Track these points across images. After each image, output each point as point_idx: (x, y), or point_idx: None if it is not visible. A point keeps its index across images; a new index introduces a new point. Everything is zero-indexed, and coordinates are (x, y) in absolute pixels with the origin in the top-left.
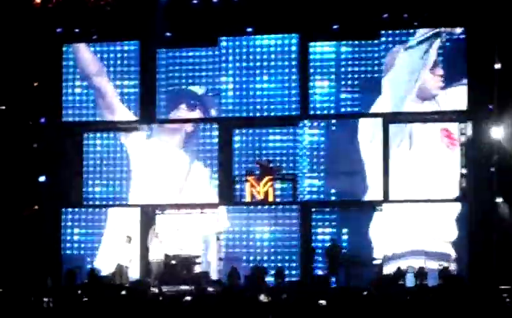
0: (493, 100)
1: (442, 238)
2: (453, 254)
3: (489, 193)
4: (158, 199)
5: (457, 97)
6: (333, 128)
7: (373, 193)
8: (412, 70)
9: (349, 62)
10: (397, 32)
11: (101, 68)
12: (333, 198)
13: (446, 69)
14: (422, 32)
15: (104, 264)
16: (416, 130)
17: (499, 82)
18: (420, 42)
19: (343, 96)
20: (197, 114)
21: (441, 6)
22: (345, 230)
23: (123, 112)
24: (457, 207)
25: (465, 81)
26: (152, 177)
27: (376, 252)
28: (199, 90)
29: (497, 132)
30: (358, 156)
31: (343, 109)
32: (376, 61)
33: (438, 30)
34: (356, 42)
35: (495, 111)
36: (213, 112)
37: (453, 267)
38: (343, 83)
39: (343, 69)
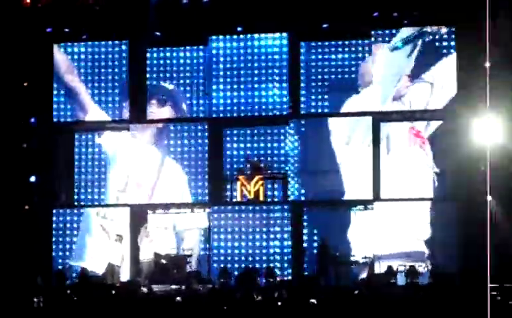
0: (483, 98)
1: (432, 237)
2: (443, 252)
3: (479, 192)
4: (144, 196)
5: (423, 96)
6: (323, 127)
7: (363, 191)
8: (397, 71)
9: (340, 63)
10: (388, 32)
11: (72, 68)
12: (323, 197)
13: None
14: (406, 32)
15: (94, 264)
16: (391, 130)
17: (490, 80)
18: (406, 43)
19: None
20: (167, 109)
21: (431, 5)
22: (335, 230)
23: (96, 113)
24: (447, 206)
25: (429, 78)
26: (134, 175)
27: (366, 251)
28: (169, 85)
29: (487, 131)
30: (347, 155)
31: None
32: (360, 62)
33: (423, 29)
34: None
35: (486, 110)
36: (184, 107)
37: (443, 266)
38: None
39: (334, 70)
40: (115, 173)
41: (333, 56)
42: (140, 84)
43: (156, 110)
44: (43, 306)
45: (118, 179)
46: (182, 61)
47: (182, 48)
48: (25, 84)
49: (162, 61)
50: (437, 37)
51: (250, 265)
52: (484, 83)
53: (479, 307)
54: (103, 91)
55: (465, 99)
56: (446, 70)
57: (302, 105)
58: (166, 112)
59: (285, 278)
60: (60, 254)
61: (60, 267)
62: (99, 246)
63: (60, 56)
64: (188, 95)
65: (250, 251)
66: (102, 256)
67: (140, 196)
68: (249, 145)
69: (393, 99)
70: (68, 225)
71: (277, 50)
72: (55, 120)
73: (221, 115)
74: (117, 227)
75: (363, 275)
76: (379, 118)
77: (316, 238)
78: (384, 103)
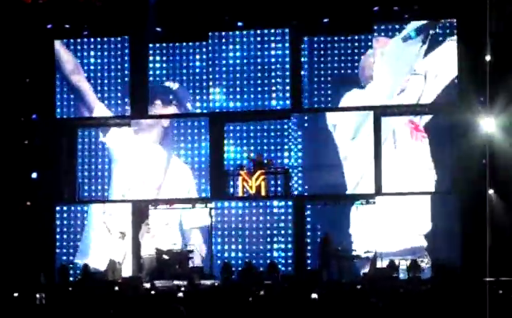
0: (484, 92)
1: (433, 230)
2: (444, 246)
3: (480, 185)
4: (149, 194)
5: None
6: (326, 122)
7: (365, 186)
8: (407, 62)
9: (342, 58)
10: (389, 26)
11: (77, 66)
12: (325, 192)
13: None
14: (418, 22)
15: (97, 260)
16: (392, 124)
17: (490, 74)
18: (418, 33)
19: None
20: (172, 109)
21: None
22: (337, 224)
23: (101, 110)
24: (448, 200)
25: (429, 71)
26: (139, 173)
27: (368, 245)
28: (173, 85)
29: (488, 124)
30: (349, 149)
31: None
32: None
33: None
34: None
35: (487, 103)
36: (189, 106)
37: (444, 259)
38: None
39: (336, 65)
40: (117, 169)
41: (335, 51)
42: (142, 80)
43: (161, 111)
44: (45, 303)
45: (122, 175)
46: (186, 57)
47: (186, 44)
48: (27, 80)
49: (164, 58)
50: (442, 29)
51: (253, 259)
52: (484, 76)
53: (480, 301)
54: (105, 88)
55: (465, 92)
56: (446, 63)
57: (304, 100)
58: (171, 112)
59: (288, 273)
60: (63, 250)
61: (62, 263)
62: (102, 242)
63: (64, 54)
64: (190, 91)
65: (255, 243)
66: (104, 253)
67: (144, 192)
68: (252, 140)
69: (390, 92)
70: (71, 222)
71: (280, 46)
72: (57, 116)
73: (225, 110)
74: (119, 224)
75: (365, 269)
76: (380, 112)
77: (318, 232)
78: (391, 97)
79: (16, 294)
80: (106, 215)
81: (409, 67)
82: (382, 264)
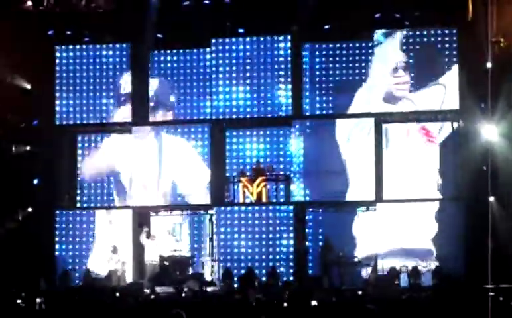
0: (485, 99)
1: (435, 237)
2: (447, 253)
3: (482, 192)
4: (150, 200)
5: (431, 98)
6: (326, 128)
7: (365, 192)
8: (386, 69)
9: (343, 65)
10: (390, 31)
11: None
12: (326, 198)
13: (417, 70)
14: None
15: (98, 266)
16: (392, 130)
17: (491, 81)
18: (387, 36)
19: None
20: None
21: (432, 5)
22: (338, 230)
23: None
24: (451, 206)
25: (439, 81)
26: (140, 180)
27: (369, 252)
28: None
29: (489, 131)
30: (350, 155)
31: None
32: (364, 63)
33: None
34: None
35: (488, 110)
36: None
37: (447, 266)
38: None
39: (337, 71)
40: (118, 175)
41: (337, 57)
42: (143, 86)
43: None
44: (45, 308)
45: (123, 181)
46: (188, 64)
47: (188, 51)
48: (28, 87)
49: (168, 64)
50: (438, 38)
51: (254, 265)
52: (486, 84)
53: (482, 308)
54: (104, 94)
55: (467, 100)
56: (448, 71)
57: (305, 106)
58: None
59: (289, 279)
60: (64, 255)
61: (63, 269)
62: (103, 247)
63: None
64: (194, 98)
65: (256, 249)
66: (105, 258)
67: (144, 198)
68: (255, 145)
69: (390, 98)
70: (76, 225)
71: (282, 52)
72: (57, 122)
73: (227, 117)
74: (120, 228)
75: (366, 276)
76: (382, 119)
77: (320, 237)
78: (377, 103)
79: (17, 300)
80: (109, 220)
81: (388, 73)
82: (383, 270)
